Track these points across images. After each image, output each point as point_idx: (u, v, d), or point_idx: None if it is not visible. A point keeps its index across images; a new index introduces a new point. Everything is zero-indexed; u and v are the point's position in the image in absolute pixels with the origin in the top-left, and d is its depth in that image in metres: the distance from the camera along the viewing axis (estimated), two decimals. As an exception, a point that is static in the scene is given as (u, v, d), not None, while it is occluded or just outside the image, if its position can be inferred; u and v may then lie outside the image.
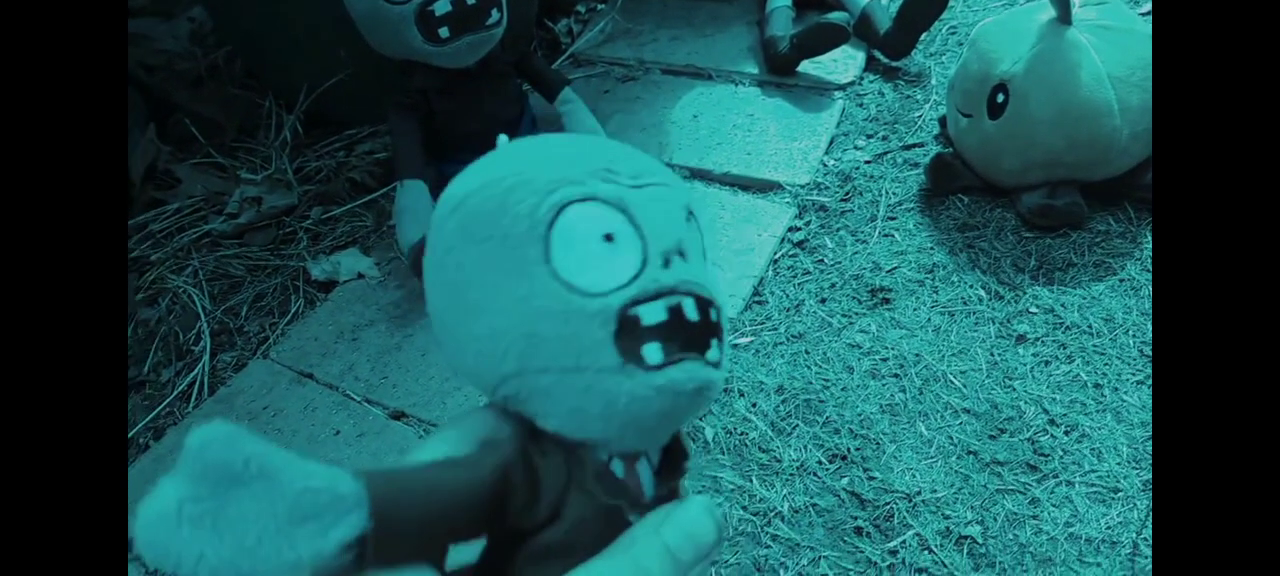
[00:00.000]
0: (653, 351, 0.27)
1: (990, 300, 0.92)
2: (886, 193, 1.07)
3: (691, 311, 0.29)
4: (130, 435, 0.99)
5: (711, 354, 0.29)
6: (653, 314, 0.28)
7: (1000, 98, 0.93)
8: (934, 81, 1.23)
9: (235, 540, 0.21)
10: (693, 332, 0.29)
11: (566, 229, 0.28)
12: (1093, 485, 0.75)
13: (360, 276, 1.11)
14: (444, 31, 0.99)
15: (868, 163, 1.12)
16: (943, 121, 1.10)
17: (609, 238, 0.28)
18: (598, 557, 0.27)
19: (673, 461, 0.32)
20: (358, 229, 1.19)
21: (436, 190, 1.12)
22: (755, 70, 1.33)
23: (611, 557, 0.28)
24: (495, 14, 1.01)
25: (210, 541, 0.21)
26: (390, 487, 0.24)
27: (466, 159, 1.11)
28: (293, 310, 1.09)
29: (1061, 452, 0.78)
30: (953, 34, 1.33)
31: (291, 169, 1.27)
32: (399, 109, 1.09)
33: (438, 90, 1.09)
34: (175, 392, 1.02)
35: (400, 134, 1.09)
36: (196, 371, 1.03)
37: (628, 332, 0.27)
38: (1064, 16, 0.89)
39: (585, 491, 0.29)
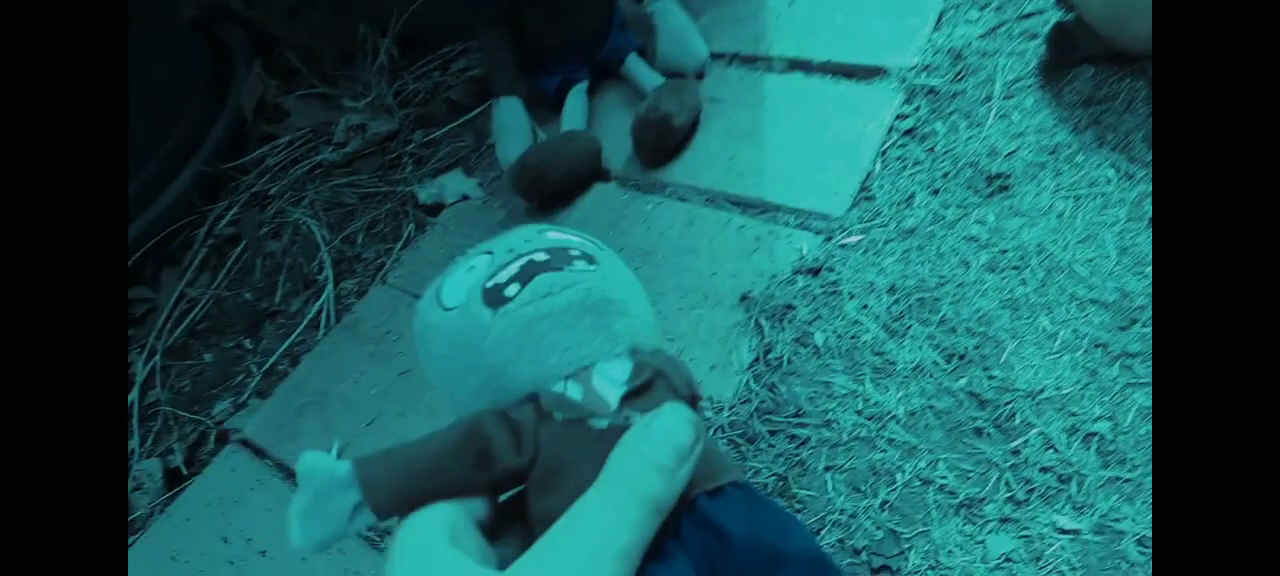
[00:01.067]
0: (512, 290, 0.35)
1: (1119, 181, 0.86)
2: (1002, 69, 1.00)
3: (541, 257, 0.36)
4: (269, 363, 1.06)
5: (571, 266, 0.36)
6: (507, 272, 0.36)
7: (1129, -45, 0.84)
8: (1053, -60, 1.13)
9: (306, 527, 0.33)
10: (546, 264, 0.36)
11: (446, 283, 0.37)
12: (1236, 375, 0.71)
13: (465, 198, 1.13)
14: (526, -62, 0.97)
15: (981, 38, 1.05)
16: (1065, -15, 1.01)
17: (470, 267, 0.37)
18: (593, 487, 0.31)
19: (639, 368, 0.36)
20: (459, 150, 1.21)
21: (531, 104, 1.12)
22: (853, -58, 1.25)
23: (603, 484, 0.31)
24: (578, -85, 0.98)
25: (299, 529, 0.33)
26: (375, 465, 0.33)
27: (558, 71, 1.12)
28: (404, 235, 1.13)
29: (1201, 342, 0.73)
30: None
31: (391, 93, 1.28)
32: (489, 25, 1.08)
33: (526, 3, 1.07)
34: (305, 320, 1.08)
35: (492, 50, 1.09)
36: (322, 300, 1.08)
37: (491, 294, 0.35)
38: None
39: (548, 417, 0.34)
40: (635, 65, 1.13)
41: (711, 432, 0.83)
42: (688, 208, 1.00)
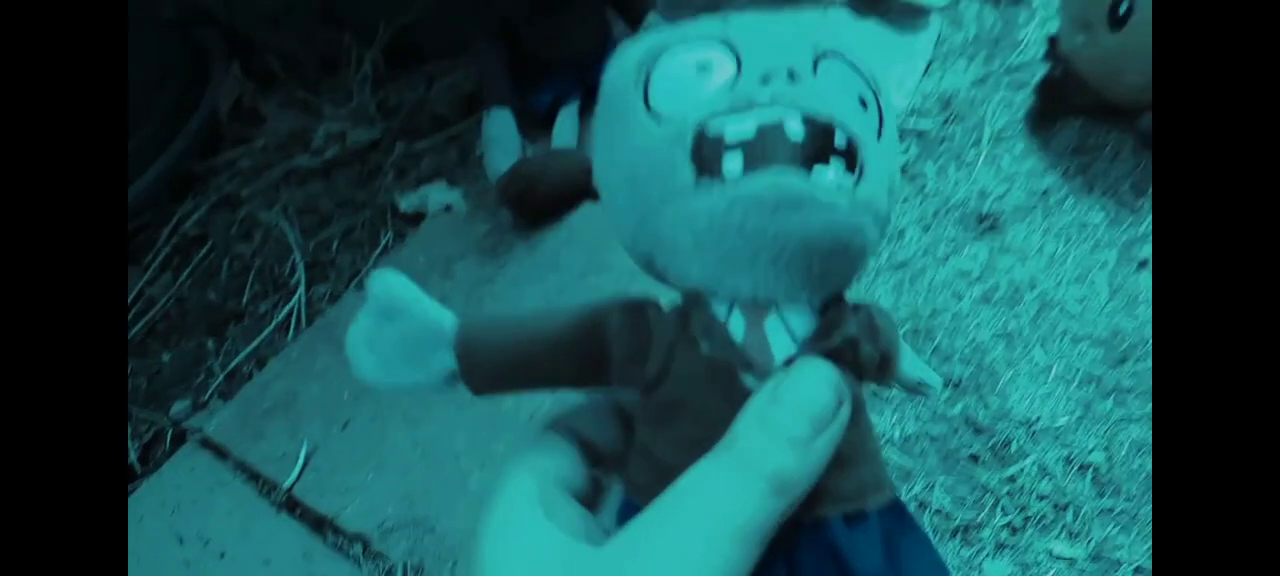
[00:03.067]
0: (733, 162, 0.25)
1: (1108, 225, 0.88)
2: (991, 116, 1.03)
3: (795, 130, 0.25)
4: (233, 365, 1.01)
5: (821, 173, 0.26)
6: (738, 129, 0.25)
7: (1124, 7, 0.88)
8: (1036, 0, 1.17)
9: (381, 360, 0.29)
10: (794, 151, 0.25)
11: (663, 69, 0.26)
12: (1227, 413, 0.72)
13: (448, 209, 1.10)
14: (531, -48, 0.97)
15: (970, 87, 1.08)
16: (1052, 40, 1.04)
17: (702, 67, 0.26)
18: (708, 455, 0.26)
19: (827, 326, 0.28)
20: (443, 162, 1.19)
21: (521, 121, 1.11)
22: (844, -6, 1.28)
23: (719, 453, 0.26)
24: (582, -65, 0.99)
25: (370, 359, 0.29)
26: (479, 330, 0.29)
27: (551, 89, 1.11)
28: (382, 243, 1.10)
29: (1191, 380, 0.74)
30: (1055, -50, 1.26)
31: (374, 103, 1.26)
32: (485, 38, 1.08)
33: (524, 17, 1.07)
34: (274, 324, 1.04)
35: (486, 62, 1.08)
36: (293, 303, 1.05)
37: (707, 148, 0.25)
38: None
39: (693, 343, 0.27)
40: (628, 90, 1.13)
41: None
42: (679, 229, 0.99)
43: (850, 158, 0.26)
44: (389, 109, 1.27)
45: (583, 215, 1.04)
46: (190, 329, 1.09)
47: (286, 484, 0.87)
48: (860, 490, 0.27)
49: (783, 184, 0.25)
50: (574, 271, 0.97)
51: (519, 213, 1.02)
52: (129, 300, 1.13)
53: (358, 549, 0.81)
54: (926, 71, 1.12)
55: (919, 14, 1.20)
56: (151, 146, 1.23)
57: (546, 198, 1.01)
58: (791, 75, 0.26)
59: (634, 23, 1.18)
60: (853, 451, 0.27)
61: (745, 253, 0.26)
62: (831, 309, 0.28)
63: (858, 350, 0.28)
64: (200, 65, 1.36)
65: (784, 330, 0.28)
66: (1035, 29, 1.11)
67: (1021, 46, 1.10)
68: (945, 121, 1.04)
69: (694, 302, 0.28)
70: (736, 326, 0.27)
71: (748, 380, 0.27)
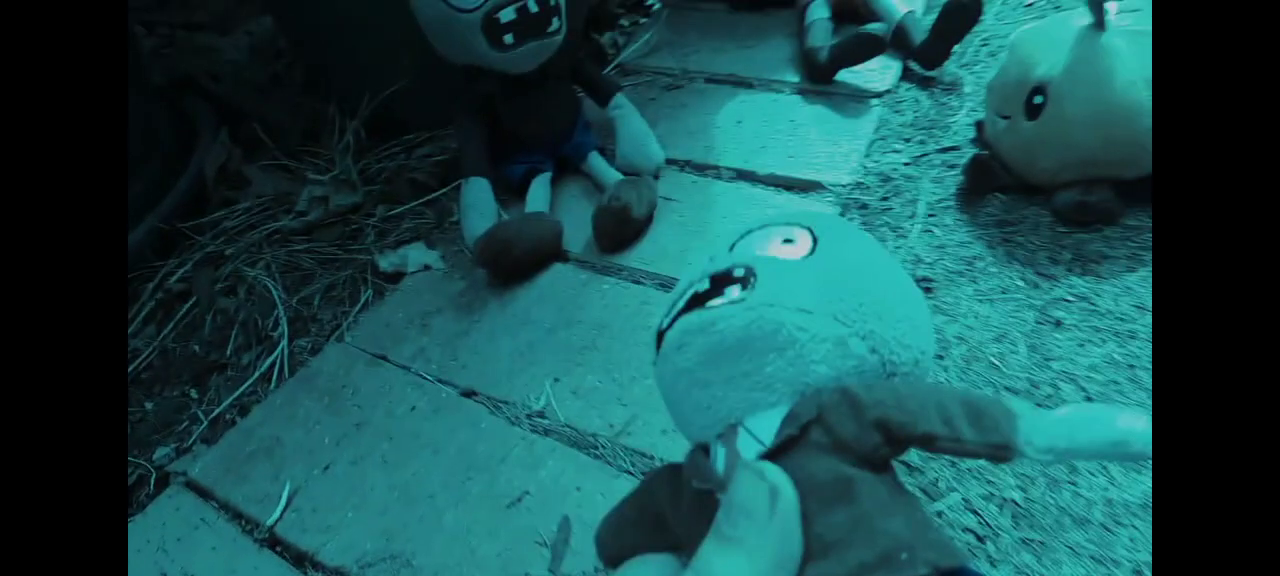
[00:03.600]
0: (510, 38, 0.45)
1: (1028, 289, 0.97)
2: (925, 192, 1.13)
3: (702, 287, 0.35)
4: (217, 412, 1.06)
5: (711, 307, 0.34)
6: (674, 310, 0.35)
7: (1038, 99, 0.99)
8: (968, 89, 1.29)
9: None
10: (697, 302, 0.35)
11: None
12: (1128, 454, 0.80)
13: (426, 268, 1.18)
14: (509, 38, 1.06)
15: (907, 165, 1.18)
16: (979, 126, 1.16)
17: (691, 279, 0.36)
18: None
19: (786, 420, 0.31)
20: (421, 226, 1.26)
21: (496, 188, 1.19)
22: (796, 79, 1.40)
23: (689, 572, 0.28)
24: (556, 22, 1.08)
25: None
26: (606, 528, 0.38)
27: (526, 161, 1.24)
28: (362, 299, 1.16)
29: (1098, 425, 0.83)
30: (985, 45, 1.39)
31: (356, 170, 1.34)
32: (465, 112, 1.17)
33: (501, 95, 1.16)
34: (257, 374, 1.09)
35: (466, 134, 1.17)
36: (276, 354, 1.10)
37: (660, 338, 0.35)
38: (1099, 23, 0.95)
39: (686, 485, 0.32)
40: (596, 162, 1.23)
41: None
42: (642, 289, 1.07)
43: (744, 279, 0.33)
44: (370, 175, 1.35)
45: (552, 275, 1.12)
46: (174, 378, 1.13)
47: (269, 522, 0.91)
48: (859, 572, 0.27)
49: (683, 327, 0.33)
50: (544, 326, 1.05)
51: (494, 272, 1.10)
52: (112, 352, 1.18)
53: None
54: (868, 151, 1.22)
55: (863, 99, 1.31)
56: (139, 205, 1.29)
57: (519, 258, 1.09)
58: (713, 260, 0.37)
59: (602, 102, 1.28)
60: (842, 534, 0.28)
61: (684, 392, 0.33)
62: (805, 398, 0.31)
63: (832, 432, 0.30)
64: (188, 130, 1.43)
65: (752, 440, 0.31)
66: (965, 116, 1.23)
67: (952, 131, 1.21)
68: (884, 196, 1.15)
69: (693, 452, 0.34)
70: (719, 456, 0.31)
71: (722, 496, 0.30)
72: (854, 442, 0.30)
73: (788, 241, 0.34)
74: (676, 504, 0.32)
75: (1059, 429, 0.32)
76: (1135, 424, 0.30)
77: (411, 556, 0.84)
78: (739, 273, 0.33)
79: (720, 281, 0.33)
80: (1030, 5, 1.48)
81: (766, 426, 0.31)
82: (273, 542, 0.90)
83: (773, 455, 0.30)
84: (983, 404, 0.32)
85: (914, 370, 0.34)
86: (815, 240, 0.34)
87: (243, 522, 0.92)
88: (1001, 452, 0.32)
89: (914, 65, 1.36)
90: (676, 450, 0.89)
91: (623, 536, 0.36)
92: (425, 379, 1.02)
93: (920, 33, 1.32)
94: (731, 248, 0.36)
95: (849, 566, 0.27)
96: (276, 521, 0.91)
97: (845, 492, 0.28)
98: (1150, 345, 0.89)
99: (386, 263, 1.19)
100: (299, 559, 0.87)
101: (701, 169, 1.25)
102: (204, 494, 0.96)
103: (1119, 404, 0.86)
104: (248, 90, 1.51)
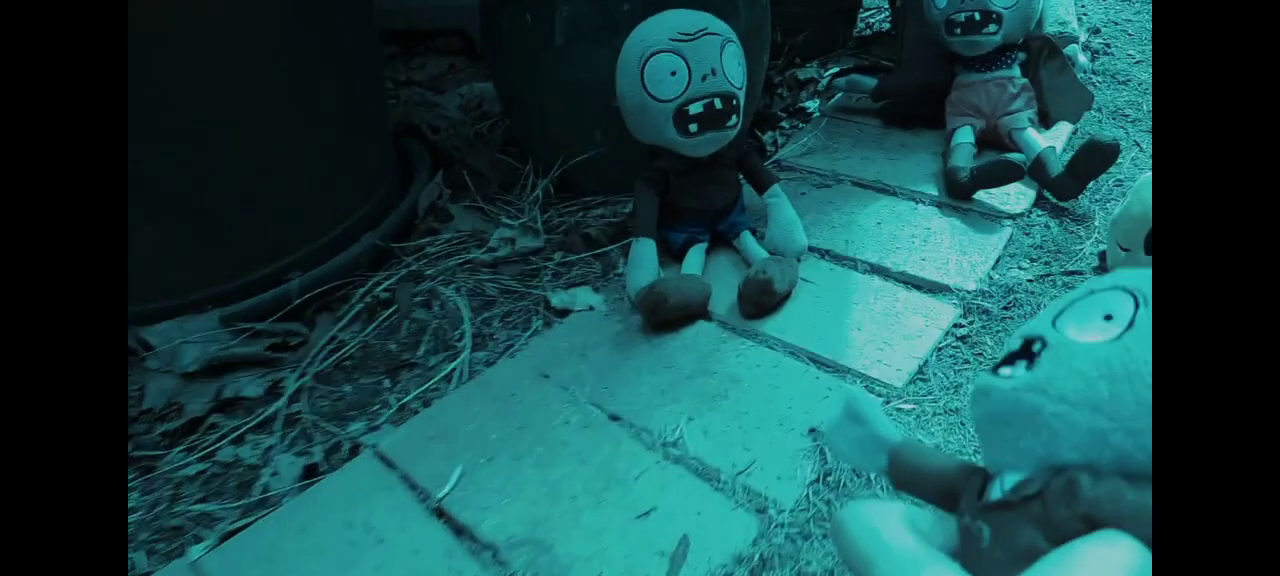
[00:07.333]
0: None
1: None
2: (1046, 307, 1.23)
3: (1015, 344, 0.39)
4: (404, 401, 1.26)
5: (1001, 374, 0.38)
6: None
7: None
8: (1097, 222, 1.39)
9: (843, 443, 0.49)
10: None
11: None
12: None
13: (591, 308, 1.37)
14: (693, 127, 1.25)
15: (1030, 281, 1.29)
16: (1102, 255, 1.26)
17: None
18: None
19: (1003, 501, 0.36)
20: (590, 273, 1.46)
21: (659, 250, 1.38)
22: (935, 192, 1.53)
23: None
24: (734, 119, 1.27)
25: (837, 441, 0.49)
26: (905, 451, 0.46)
27: (687, 230, 1.49)
28: (534, 327, 1.36)
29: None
30: (1118, 186, 1.49)
31: (541, 220, 1.56)
32: (645, 182, 1.37)
33: (676, 172, 1.36)
34: (440, 375, 1.30)
35: (642, 201, 1.36)
36: (458, 361, 1.31)
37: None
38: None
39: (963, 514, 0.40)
40: (748, 240, 1.40)
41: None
42: (775, 354, 1.22)
43: (1032, 355, 0.36)
44: (552, 226, 1.57)
45: (697, 329, 1.29)
46: (371, 369, 1.36)
47: (439, 495, 1.07)
48: None
49: (983, 381, 0.39)
50: (685, 372, 1.21)
51: (648, 319, 1.28)
52: (323, 339, 1.42)
53: (488, 555, 0.98)
54: (996, 264, 1.34)
55: (996, 218, 1.43)
56: (363, 224, 1.55)
57: (672, 310, 1.26)
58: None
59: (761, 190, 1.45)
60: None
61: (981, 434, 0.40)
62: (1036, 474, 0.34)
63: (1046, 509, 0.32)
64: (408, 168, 1.71)
65: (1000, 490, 0.37)
66: (1091, 245, 1.33)
67: (1077, 257, 1.31)
68: (1006, 305, 1.26)
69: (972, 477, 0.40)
70: (994, 491, 0.37)
71: (974, 528, 0.37)
72: (1061, 525, 0.32)
73: (1108, 317, 0.34)
74: (968, 496, 0.39)
75: None
76: None
77: (552, 544, 0.98)
78: (1036, 348, 0.36)
79: (1028, 346, 0.37)
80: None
81: (1009, 482, 0.36)
82: (440, 513, 1.05)
83: (994, 507, 0.35)
84: None
85: None
86: (1136, 309, 0.34)
87: (417, 492, 1.08)
88: None
89: (1048, 195, 1.46)
90: (788, 494, 1.02)
91: (919, 483, 0.44)
92: (579, 398, 1.19)
93: (1057, 166, 1.43)
94: (1062, 309, 0.38)
95: None
96: (445, 496, 1.06)
97: (1028, 560, 0.32)
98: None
99: (558, 299, 1.39)
100: (459, 530, 1.02)
101: (840, 259, 1.40)
102: (389, 464, 1.14)
103: None
104: (459, 142, 1.78)
